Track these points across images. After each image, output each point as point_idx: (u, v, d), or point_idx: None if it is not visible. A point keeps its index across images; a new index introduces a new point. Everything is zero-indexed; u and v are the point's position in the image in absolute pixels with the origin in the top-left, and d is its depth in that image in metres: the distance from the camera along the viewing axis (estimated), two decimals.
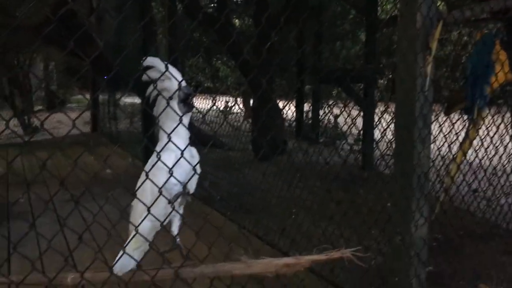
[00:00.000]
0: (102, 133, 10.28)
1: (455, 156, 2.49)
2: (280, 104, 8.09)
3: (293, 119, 9.32)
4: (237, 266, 1.42)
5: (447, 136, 2.63)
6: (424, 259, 2.10)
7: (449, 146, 2.54)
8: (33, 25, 6.77)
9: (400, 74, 2.09)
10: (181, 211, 1.64)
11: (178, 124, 1.55)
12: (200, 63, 14.23)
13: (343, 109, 2.68)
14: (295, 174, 4.51)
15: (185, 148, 1.54)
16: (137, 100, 10.80)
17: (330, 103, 8.98)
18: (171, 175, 1.44)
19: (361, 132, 6.18)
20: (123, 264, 1.52)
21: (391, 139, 2.23)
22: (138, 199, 1.48)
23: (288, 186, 4.29)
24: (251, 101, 12.28)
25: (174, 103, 1.65)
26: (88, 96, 12.48)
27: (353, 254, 1.38)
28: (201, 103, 8.19)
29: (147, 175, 1.43)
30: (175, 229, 1.69)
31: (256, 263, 1.41)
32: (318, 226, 3.05)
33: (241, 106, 13.13)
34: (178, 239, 1.63)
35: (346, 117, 2.91)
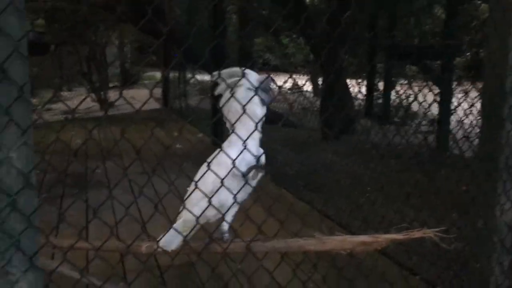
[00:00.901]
0: (172, 109, 10.55)
1: None
2: (350, 83, 7.87)
3: (363, 98, 9.05)
4: (311, 242, 1.38)
5: None
6: (508, 245, 1.95)
7: None
8: (109, 2, 7.00)
9: (490, 47, 1.92)
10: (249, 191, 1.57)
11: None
12: (269, 40, 14.15)
13: (419, 88, 2.52)
14: (365, 154, 4.38)
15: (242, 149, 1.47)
16: (206, 77, 10.97)
17: (403, 82, 8.62)
18: (234, 166, 1.41)
19: (438, 112, 5.86)
20: (170, 239, 1.53)
21: (474, 119, 2.08)
22: (199, 189, 1.44)
23: (358, 165, 4.18)
24: (320, 80, 12.09)
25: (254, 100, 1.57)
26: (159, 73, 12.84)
27: (436, 235, 1.29)
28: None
29: (208, 166, 1.39)
30: (228, 218, 1.60)
31: (331, 240, 1.37)
32: (391, 207, 2.94)
33: (309, 84, 12.95)
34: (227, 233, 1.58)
35: (421, 96, 2.75)
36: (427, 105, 2.74)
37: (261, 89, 1.57)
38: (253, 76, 1.59)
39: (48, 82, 14.04)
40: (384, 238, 1.33)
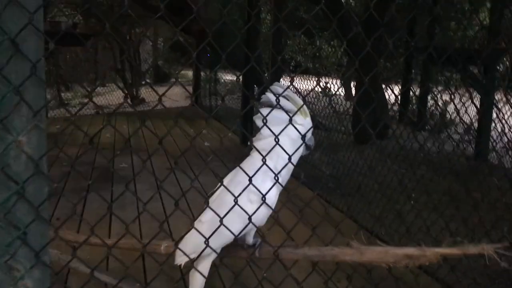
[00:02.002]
0: (202, 107, 10.51)
1: None
2: (385, 88, 7.64)
3: (397, 103, 8.79)
4: (347, 251, 1.24)
5: None
6: None
7: None
8: None
9: None
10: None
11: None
12: (302, 41, 13.98)
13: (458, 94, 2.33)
14: (396, 160, 4.18)
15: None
16: (236, 77, 10.89)
17: (440, 88, 8.34)
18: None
19: (476, 120, 5.59)
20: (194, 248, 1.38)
21: None
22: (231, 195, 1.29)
23: (388, 171, 3.98)
24: (352, 84, 11.84)
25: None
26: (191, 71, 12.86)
27: (497, 252, 1.12)
28: (301, 83, 7.98)
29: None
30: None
31: (370, 250, 1.21)
32: (429, 218, 2.74)
33: (341, 87, 12.71)
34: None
35: (458, 103, 2.56)
36: (465, 112, 2.55)
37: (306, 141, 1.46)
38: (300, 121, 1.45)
39: (83, 77, 14.27)
40: (433, 252, 1.16)
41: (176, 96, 11.20)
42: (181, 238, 1.34)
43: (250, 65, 1.46)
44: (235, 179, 1.38)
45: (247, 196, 1.29)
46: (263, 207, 1.29)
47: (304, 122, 1.45)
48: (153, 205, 3.67)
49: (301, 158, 1.48)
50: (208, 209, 1.31)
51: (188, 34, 9.85)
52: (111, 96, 12.40)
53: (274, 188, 1.35)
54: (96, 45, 13.49)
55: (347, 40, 6.76)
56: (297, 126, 1.40)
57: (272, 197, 1.35)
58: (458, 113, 3.76)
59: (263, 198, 1.28)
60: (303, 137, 1.41)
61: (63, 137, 6.02)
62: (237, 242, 1.36)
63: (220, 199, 1.37)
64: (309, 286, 2.30)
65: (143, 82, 14.26)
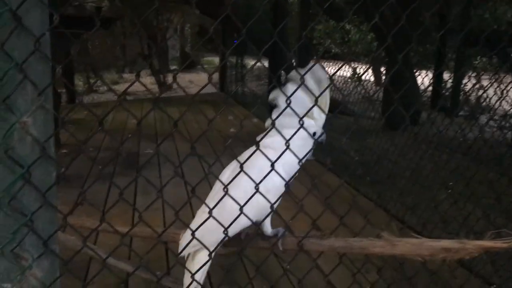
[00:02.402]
0: (229, 93, 10.45)
1: None
2: (417, 72, 7.40)
3: (429, 88, 8.53)
4: (378, 243, 1.13)
5: None
6: None
7: None
8: None
9: None
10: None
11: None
12: (330, 26, 13.68)
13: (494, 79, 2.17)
14: (429, 147, 4.01)
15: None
16: (263, 63, 10.76)
17: (474, 73, 8.02)
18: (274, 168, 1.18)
19: None
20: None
21: None
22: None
23: (420, 158, 3.82)
24: (382, 69, 11.55)
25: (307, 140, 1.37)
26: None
27: None
28: (330, 69, 7.82)
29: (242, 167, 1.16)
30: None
31: (403, 243, 1.10)
32: (456, 205, 2.59)
33: (371, 73, 12.44)
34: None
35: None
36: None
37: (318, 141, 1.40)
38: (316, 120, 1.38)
39: (110, 64, 14.40)
40: (474, 245, 1.04)
41: (202, 82, 11.16)
42: (198, 228, 1.25)
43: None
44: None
45: (252, 189, 1.19)
46: (270, 197, 1.21)
47: (319, 117, 1.38)
48: (177, 191, 3.62)
49: (327, 144, 1.39)
50: (213, 200, 1.21)
51: (214, 19, 9.74)
52: (139, 83, 12.45)
53: (280, 181, 1.26)
54: (124, 32, 13.55)
55: (377, 23, 6.56)
56: (312, 120, 1.35)
57: (279, 187, 1.27)
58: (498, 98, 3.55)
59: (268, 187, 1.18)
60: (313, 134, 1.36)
61: (90, 123, 6.04)
62: (258, 232, 1.28)
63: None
64: (336, 278, 2.22)
65: (171, 69, 14.29)
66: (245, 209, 1.14)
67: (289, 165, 1.28)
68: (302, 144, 1.31)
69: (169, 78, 13.10)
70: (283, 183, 1.26)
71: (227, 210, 1.17)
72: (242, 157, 1.20)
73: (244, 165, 1.15)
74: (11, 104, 0.95)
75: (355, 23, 12.11)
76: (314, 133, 1.38)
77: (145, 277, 1.61)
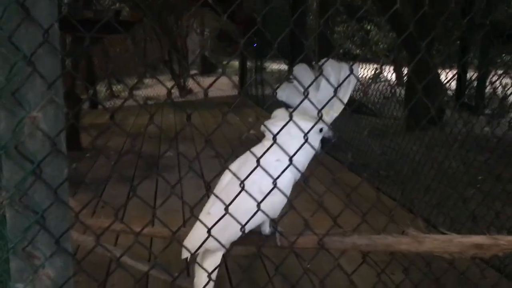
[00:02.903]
0: (248, 96, 10.43)
1: None
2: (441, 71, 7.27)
3: (453, 86, 8.37)
4: (403, 240, 1.06)
5: None
6: None
7: None
8: None
9: None
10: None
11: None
12: (350, 29, 13.58)
13: None
14: (453, 145, 3.91)
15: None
16: (283, 66, 10.71)
17: (499, 71, 7.82)
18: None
19: None
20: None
21: None
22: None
23: (444, 157, 3.72)
24: (404, 69, 11.39)
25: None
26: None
27: None
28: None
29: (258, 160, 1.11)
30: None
31: (431, 239, 1.04)
32: (485, 203, 2.49)
33: (391, 73, 12.24)
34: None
35: None
36: None
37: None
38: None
39: (131, 69, 14.53)
40: (508, 241, 0.97)
41: (223, 86, 11.18)
42: (214, 225, 1.21)
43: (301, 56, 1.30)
44: (244, 168, 1.23)
45: (258, 187, 1.14)
46: (276, 198, 1.16)
47: (326, 114, 1.29)
48: (198, 194, 3.60)
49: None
50: (216, 200, 1.17)
51: (233, 22, 9.76)
52: (160, 87, 12.58)
53: (287, 177, 1.23)
54: (144, 38, 13.68)
55: (397, 23, 6.44)
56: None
57: (285, 188, 1.22)
58: None
59: (275, 185, 1.12)
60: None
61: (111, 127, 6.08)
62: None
63: (229, 190, 1.23)
64: (359, 279, 2.15)
65: (191, 73, 14.36)
66: (251, 207, 1.10)
67: (296, 162, 1.21)
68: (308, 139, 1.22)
69: (189, 83, 13.17)
70: (291, 180, 1.24)
71: (238, 207, 1.11)
72: (249, 155, 1.18)
73: (250, 162, 1.12)
74: (20, 98, 0.93)
75: (375, 23, 11.98)
76: (321, 129, 1.33)
77: (163, 279, 1.58)
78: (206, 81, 13.46)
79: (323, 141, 1.37)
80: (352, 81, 1.31)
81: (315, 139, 1.32)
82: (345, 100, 1.33)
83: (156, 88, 12.46)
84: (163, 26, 12.21)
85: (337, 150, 4.92)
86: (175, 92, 12.58)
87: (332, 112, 1.32)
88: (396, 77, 11.77)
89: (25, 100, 0.94)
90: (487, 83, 7.86)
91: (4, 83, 0.91)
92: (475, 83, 8.21)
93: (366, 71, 6.39)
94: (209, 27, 16.55)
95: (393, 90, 7.18)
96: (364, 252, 1.16)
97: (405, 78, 10.87)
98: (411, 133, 5.23)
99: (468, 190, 2.89)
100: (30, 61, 0.92)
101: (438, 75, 6.93)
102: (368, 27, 12.46)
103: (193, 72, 15.86)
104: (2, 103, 0.93)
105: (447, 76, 7.62)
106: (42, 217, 0.98)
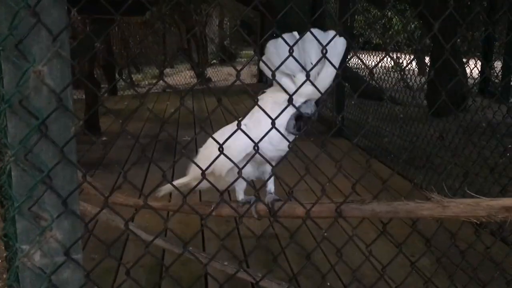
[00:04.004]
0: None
1: None
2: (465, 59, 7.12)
3: (477, 74, 8.17)
4: (426, 205, 1.00)
5: None
6: None
7: None
8: None
9: None
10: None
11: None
12: (371, 17, 13.33)
13: None
14: (475, 132, 3.82)
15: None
16: None
17: None
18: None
19: None
20: None
21: None
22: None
23: (466, 144, 3.64)
24: (426, 57, 11.16)
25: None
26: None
27: None
28: (371, 60, 7.60)
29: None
30: (271, 186, 1.41)
31: (456, 204, 0.96)
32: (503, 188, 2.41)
33: (414, 63, 12.04)
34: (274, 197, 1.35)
35: None
36: None
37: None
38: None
39: (151, 59, 14.58)
40: None
41: (242, 74, 11.14)
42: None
43: None
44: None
45: (215, 145, 1.10)
46: (222, 160, 1.09)
47: (305, 89, 1.17)
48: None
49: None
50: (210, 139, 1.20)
51: (253, 8, 9.66)
52: (179, 76, 12.63)
53: (240, 143, 1.25)
54: (163, 26, 13.69)
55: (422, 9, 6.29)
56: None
57: (236, 153, 1.24)
58: None
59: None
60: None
61: (129, 112, 6.11)
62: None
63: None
64: (377, 252, 2.08)
65: (211, 62, 14.35)
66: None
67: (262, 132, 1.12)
68: (278, 110, 1.13)
69: (209, 71, 13.17)
70: (247, 148, 1.23)
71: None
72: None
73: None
74: (24, 50, 0.89)
75: (397, 10, 11.74)
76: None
77: (177, 252, 1.55)
78: (225, 70, 13.41)
79: (300, 117, 1.27)
80: (337, 51, 1.23)
81: (287, 112, 1.19)
82: (330, 72, 1.22)
83: (175, 77, 12.51)
84: (182, 14, 12.19)
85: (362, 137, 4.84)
86: (194, 81, 12.60)
87: (317, 85, 1.16)
88: (418, 66, 11.56)
89: (29, 53, 0.90)
90: None
91: (7, 34, 0.88)
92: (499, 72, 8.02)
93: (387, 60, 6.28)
94: (229, 16, 16.47)
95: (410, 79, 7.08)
96: (383, 222, 1.10)
97: (427, 67, 10.66)
98: (433, 119, 5.13)
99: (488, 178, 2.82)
100: (34, 12, 0.88)
101: (463, 64, 6.78)
102: (390, 15, 12.21)
103: (212, 61, 15.83)
104: (5, 55, 0.89)
105: (474, 66, 7.43)
106: (48, 176, 0.94)
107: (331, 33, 1.22)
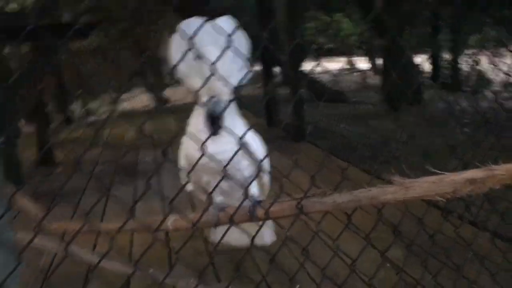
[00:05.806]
0: None
1: None
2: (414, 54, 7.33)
3: (427, 67, 8.45)
4: (389, 189, 0.94)
5: None
6: None
7: None
8: None
9: None
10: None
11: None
12: (320, 23, 13.55)
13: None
14: (433, 122, 3.88)
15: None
16: (258, 67, 10.60)
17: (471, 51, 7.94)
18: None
19: None
20: None
21: None
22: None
23: (425, 135, 3.69)
24: (377, 57, 11.43)
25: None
26: None
27: None
28: (326, 63, 7.73)
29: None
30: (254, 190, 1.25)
31: (420, 183, 0.91)
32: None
33: (365, 63, 12.33)
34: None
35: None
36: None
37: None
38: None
39: (106, 84, 14.31)
40: (506, 169, 0.85)
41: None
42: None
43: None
44: None
45: None
46: None
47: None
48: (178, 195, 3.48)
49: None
50: None
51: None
52: (135, 101, 12.51)
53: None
54: (114, 50, 13.47)
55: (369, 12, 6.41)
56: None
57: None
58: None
59: None
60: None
61: (86, 140, 5.96)
62: None
63: None
64: (348, 248, 2.03)
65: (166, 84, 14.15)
66: None
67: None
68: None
69: (165, 93, 13.01)
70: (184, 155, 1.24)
71: None
72: None
73: None
74: None
75: (346, 14, 11.98)
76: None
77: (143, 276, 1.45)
78: (181, 90, 13.31)
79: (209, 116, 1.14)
80: (240, 42, 1.13)
81: (200, 114, 1.15)
82: (236, 66, 1.14)
83: (131, 102, 12.32)
84: (134, 36, 12.04)
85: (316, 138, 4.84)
86: (152, 104, 12.44)
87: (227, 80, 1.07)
88: (371, 66, 11.82)
89: None
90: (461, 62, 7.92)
91: None
92: (447, 63, 8.28)
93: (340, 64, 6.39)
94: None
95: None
96: (347, 214, 1.04)
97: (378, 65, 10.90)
98: (392, 114, 5.20)
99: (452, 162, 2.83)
100: None
101: (412, 58, 6.96)
102: (337, 17, 12.44)
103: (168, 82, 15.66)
104: None
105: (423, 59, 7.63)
106: None
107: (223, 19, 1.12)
